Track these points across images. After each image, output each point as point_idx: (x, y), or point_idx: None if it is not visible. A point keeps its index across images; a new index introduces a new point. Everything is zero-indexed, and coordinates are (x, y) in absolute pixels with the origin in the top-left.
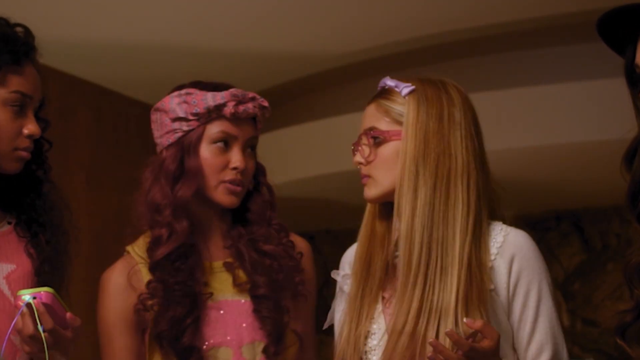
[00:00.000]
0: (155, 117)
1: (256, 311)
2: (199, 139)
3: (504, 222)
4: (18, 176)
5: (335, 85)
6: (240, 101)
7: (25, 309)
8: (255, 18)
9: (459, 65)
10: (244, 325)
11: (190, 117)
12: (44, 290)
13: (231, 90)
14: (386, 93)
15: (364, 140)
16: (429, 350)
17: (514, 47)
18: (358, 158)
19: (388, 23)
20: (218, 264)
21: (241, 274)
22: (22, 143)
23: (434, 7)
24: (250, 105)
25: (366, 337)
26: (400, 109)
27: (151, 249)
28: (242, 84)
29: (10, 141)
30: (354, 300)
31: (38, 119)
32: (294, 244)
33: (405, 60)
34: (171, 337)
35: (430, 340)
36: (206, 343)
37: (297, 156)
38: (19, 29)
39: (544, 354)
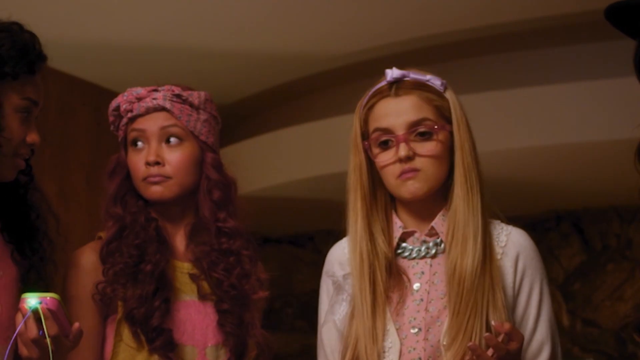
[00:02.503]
0: None
1: (220, 325)
2: (123, 143)
3: (502, 221)
4: (3, 182)
5: (335, 85)
6: (136, 98)
7: (31, 314)
8: (254, 19)
9: (458, 65)
10: (210, 327)
11: (113, 128)
12: (50, 296)
13: (126, 90)
14: (422, 86)
15: (411, 134)
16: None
17: (514, 47)
18: (405, 152)
19: (387, 24)
20: (184, 266)
21: (205, 286)
22: (22, 150)
23: (433, 7)
24: (148, 99)
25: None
26: (443, 102)
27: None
28: (242, 85)
29: (14, 147)
30: (366, 312)
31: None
32: (244, 246)
33: (405, 60)
34: (141, 316)
35: (470, 344)
36: (175, 336)
37: (297, 156)
38: (28, 36)
39: (544, 352)
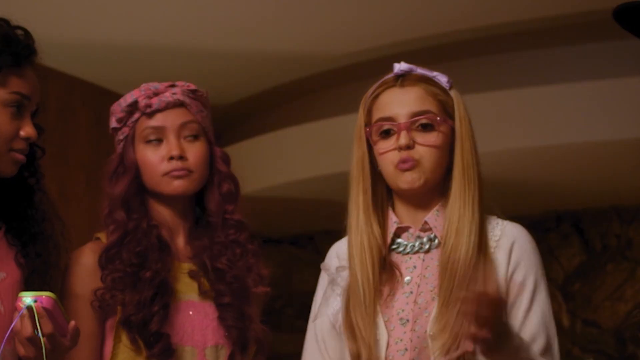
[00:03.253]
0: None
1: (221, 319)
2: (132, 140)
3: (499, 217)
4: (10, 183)
5: (336, 85)
6: (154, 93)
7: (25, 312)
8: (255, 19)
9: (459, 65)
10: (209, 327)
11: (118, 125)
12: (45, 295)
13: (142, 85)
14: (428, 80)
15: (413, 124)
16: None
17: (515, 47)
18: (405, 140)
19: (388, 24)
20: (184, 266)
21: (205, 282)
22: (18, 145)
23: (434, 7)
24: (167, 94)
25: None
26: (447, 99)
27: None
28: (243, 85)
29: (6, 142)
30: (361, 305)
31: (33, 125)
32: (249, 240)
33: (406, 60)
34: (139, 322)
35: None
36: (173, 339)
37: (297, 157)
38: (19, 31)
39: (535, 345)
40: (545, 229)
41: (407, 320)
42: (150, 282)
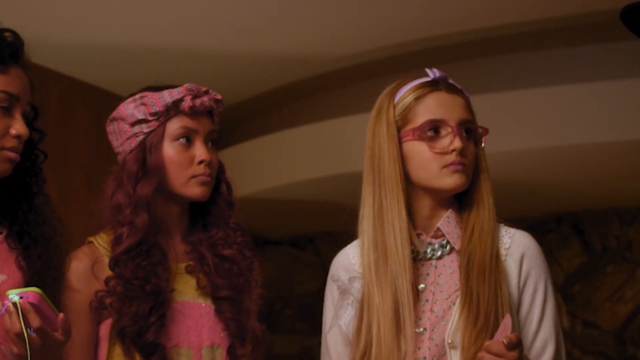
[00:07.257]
0: (112, 127)
1: (219, 312)
2: (161, 138)
3: (505, 224)
4: (11, 187)
5: (337, 87)
6: (196, 95)
7: (11, 308)
8: (256, 20)
9: (460, 67)
10: (205, 328)
11: (150, 118)
12: (31, 290)
13: (186, 85)
14: (462, 92)
15: (461, 130)
16: None
17: (515, 49)
18: (461, 144)
19: (390, 25)
20: (181, 266)
21: (203, 277)
22: (9, 143)
23: (436, 8)
24: (205, 98)
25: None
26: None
27: (113, 247)
28: (244, 86)
29: None
30: (387, 311)
31: (33, 128)
32: (248, 242)
33: (408, 62)
34: (134, 333)
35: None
36: (169, 342)
37: (298, 158)
38: (7, 34)
39: (547, 351)
40: (545, 230)
41: (425, 329)
42: (149, 295)
